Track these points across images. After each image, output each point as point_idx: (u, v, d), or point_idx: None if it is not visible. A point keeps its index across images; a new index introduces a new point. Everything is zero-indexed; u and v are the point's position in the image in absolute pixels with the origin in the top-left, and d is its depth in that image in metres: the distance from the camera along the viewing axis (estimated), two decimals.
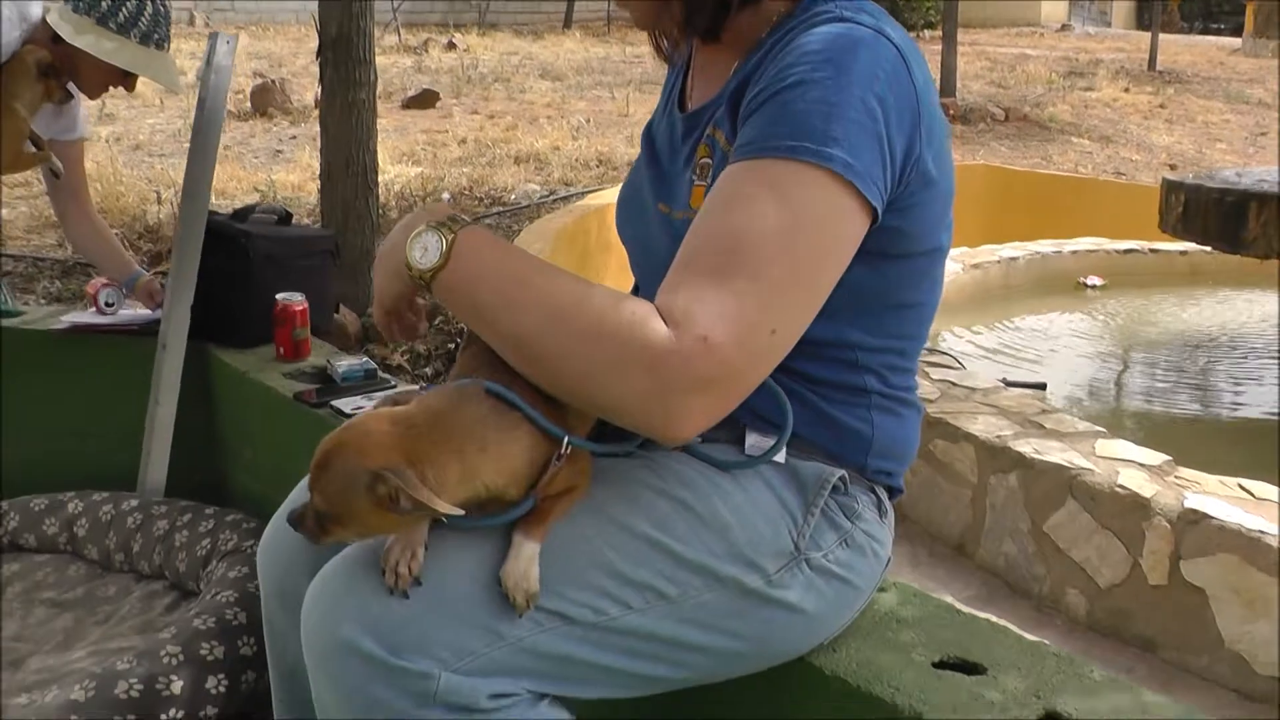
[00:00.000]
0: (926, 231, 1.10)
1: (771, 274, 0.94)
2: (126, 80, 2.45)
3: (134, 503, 2.28)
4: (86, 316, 2.72)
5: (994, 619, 1.33)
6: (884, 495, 1.23)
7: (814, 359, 1.12)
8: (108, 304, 2.66)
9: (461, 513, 0.95)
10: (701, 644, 1.08)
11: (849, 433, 1.16)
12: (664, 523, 1.07)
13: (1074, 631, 2.72)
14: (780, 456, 1.14)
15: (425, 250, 0.98)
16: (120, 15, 2.33)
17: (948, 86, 11.67)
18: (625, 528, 1.06)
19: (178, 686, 1.65)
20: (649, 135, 1.28)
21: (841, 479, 1.15)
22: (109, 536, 2.23)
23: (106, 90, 2.48)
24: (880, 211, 1.00)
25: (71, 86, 2.46)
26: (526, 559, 1.00)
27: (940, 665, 1.20)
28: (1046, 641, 1.29)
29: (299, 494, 1.23)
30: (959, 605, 1.35)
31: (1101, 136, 10.39)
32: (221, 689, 1.69)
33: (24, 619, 2.01)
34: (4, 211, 5.08)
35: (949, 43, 11.67)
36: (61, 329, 2.66)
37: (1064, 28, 22.00)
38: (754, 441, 1.14)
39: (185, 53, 9.64)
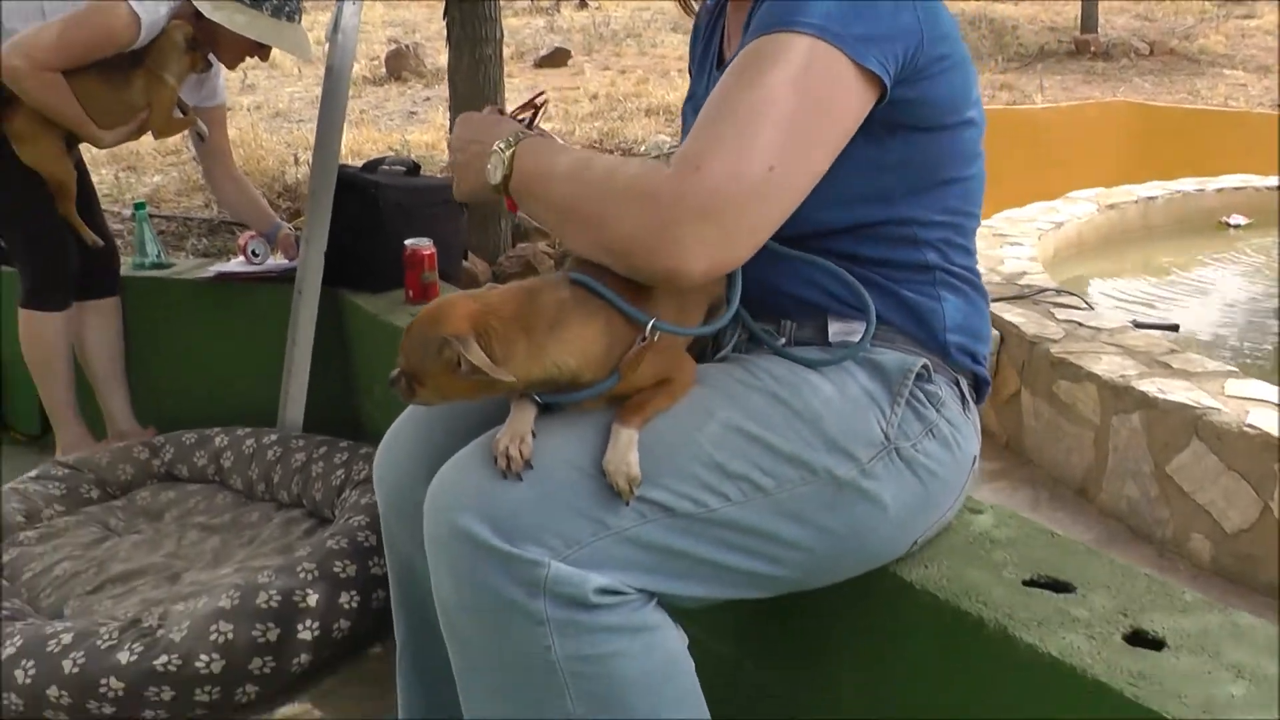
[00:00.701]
0: (951, 104, 1.16)
1: (764, 117, 1.01)
2: (261, 50, 2.59)
3: (274, 437, 2.45)
4: (232, 266, 2.91)
5: (1088, 544, 1.33)
6: (968, 389, 1.27)
7: (878, 240, 1.19)
8: (254, 254, 2.84)
9: (512, 379, 1.03)
10: (797, 539, 1.12)
11: (922, 310, 1.22)
12: (758, 416, 1.12)
13: (1199, 577, 2.65)
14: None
15: (494, 168, 1.14)
16: None
17: (1089, 22, 11.17)
18: (722, 422, 1.11)
19: (313, 599, 1.78)
20: (694, 107, 1.34)
21: (925, 367, 1.19)
22: (252, 468, 2.40)
23: (243, 60, 2.63)
24: (888, 80, 1.07)
25: (211, 56, 2.62)
26: (625, 445, 1.06)
27: (1030, 584, 1.21)
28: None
29: (409, 412, 1.32)
30: (1054, 529, 1.36)
31: (1259, 67, 9.78)
32: (354, 604, 1.82)
33: (179, 540, 2.19)
34: (158, 178, 5.39)
35: None
36: (208, 278, 2.85)
37: None
38: (837, 329, 1.21)
39: (322, 24, 9.97)
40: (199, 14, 2.49)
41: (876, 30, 1.05)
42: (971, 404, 1.28)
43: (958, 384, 1.25)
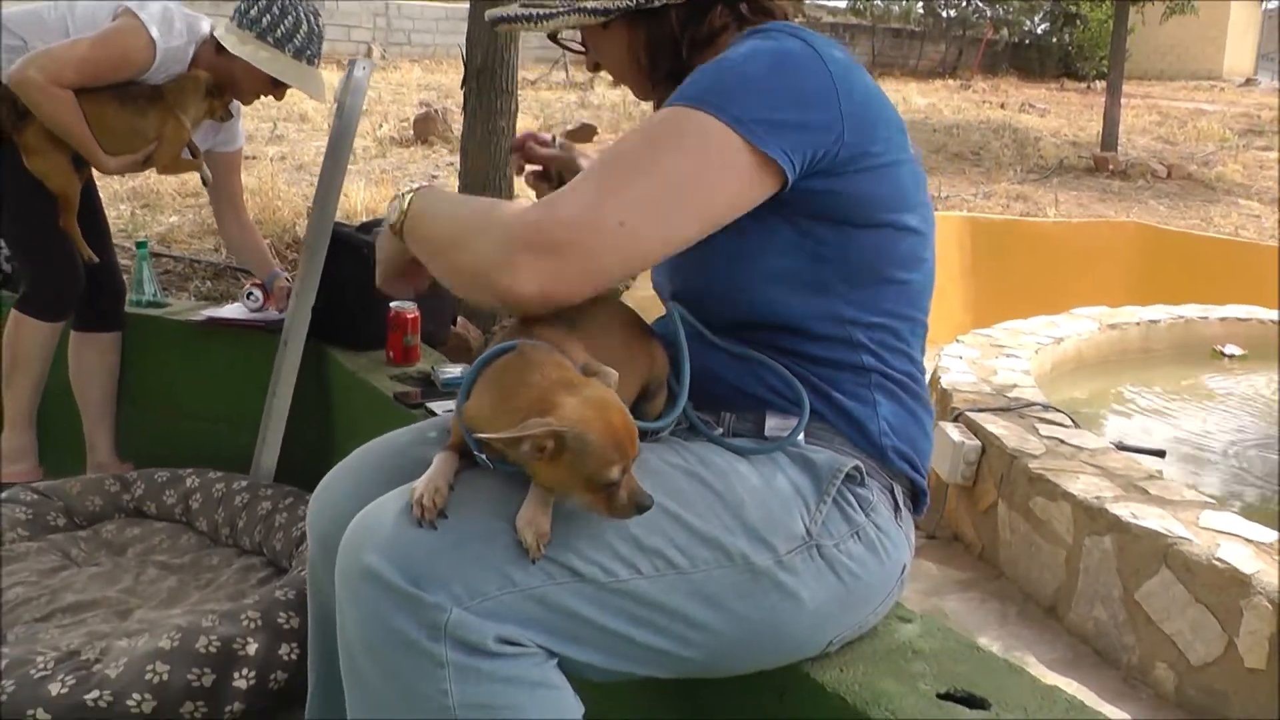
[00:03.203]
0: (880, 202, 1.19)
1: (630, 178, 1.08)
2: (276, 90, 2.69)
3: (244, 483, 2.46)
4: (224, 311, 2.96)
5: (1012, 661, 1.33)
6: (903, 497, 1.27)
7: (814, 339, 1.22)
8: (250, 297, 2.90)
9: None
10: (706, 622, 1.12)
11: (856, 412, 1.23)
12: (680, 495, 1.13)
13: (1161, 708, 2.62)
14: (799, 438, 1.21)
15: (392, 213, 1.21)
16: (278, 31, 2.58)
17: (1109, 140, 11.30)
18: None
19: (252, 648, 1.78)
20: None
21: (856, 469, 1.20)
22: (218, 512, 2.41)
23: (259, 97, 2.74)
24: (791, 169, 1.11)
25: (233, 104, 2.71)
26: (538, 502, 1.07)
27: (945, 697, 1.20)
28: (1064, 688, 1.28)
29: (347, 461, 1.35)
30: (981, 644, 1.36)
31: (1274, 199, 9.85)
32: (293, 656, 1.82)
33: (137, 576, 2.19)
34: (174, 218, 5.50)
35: (1113, 94, 11.38)
36: (199, 321, 2.90)
37: (1248, 82, 20.89)
38: (774, 424, 1.22)
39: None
40: (220, 49, 2.58)
41: (786, 118, 1.10)
42: (906, 513, 1.28)
43: (892, 491, 1.26)
